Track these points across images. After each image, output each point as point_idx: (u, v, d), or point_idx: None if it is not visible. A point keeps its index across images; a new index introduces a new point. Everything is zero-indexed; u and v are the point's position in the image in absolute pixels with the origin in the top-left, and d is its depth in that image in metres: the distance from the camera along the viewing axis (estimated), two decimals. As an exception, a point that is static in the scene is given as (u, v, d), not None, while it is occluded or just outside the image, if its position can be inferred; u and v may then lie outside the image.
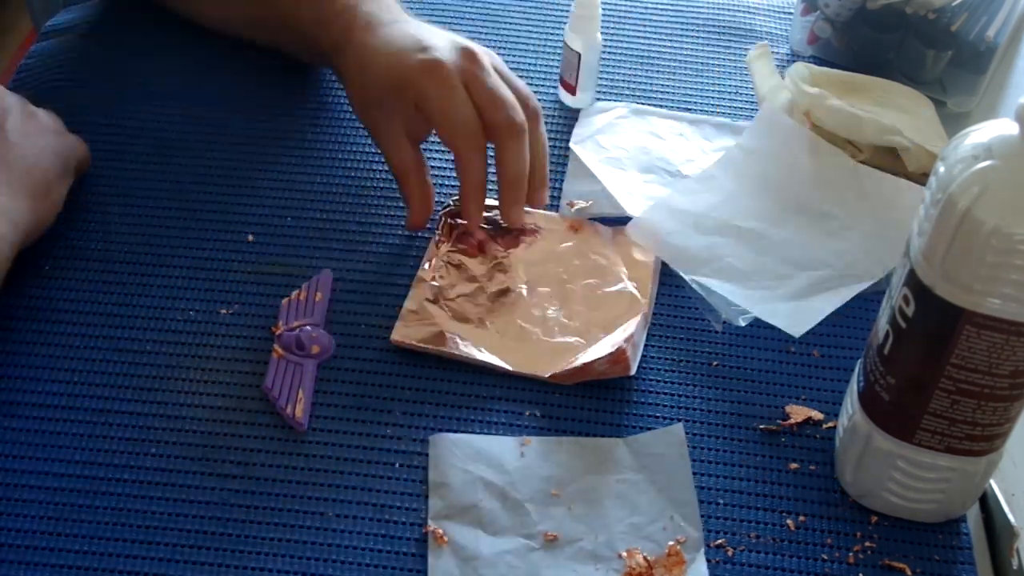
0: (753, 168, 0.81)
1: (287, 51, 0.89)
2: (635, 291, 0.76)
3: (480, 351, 0.72)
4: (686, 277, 0.76)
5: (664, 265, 0.78)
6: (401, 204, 0.81)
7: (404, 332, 0.73)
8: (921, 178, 0.80)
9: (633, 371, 0.71)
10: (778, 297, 0.74)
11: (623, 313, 0.74)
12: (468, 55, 0.74)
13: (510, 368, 0.72)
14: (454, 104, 0.73)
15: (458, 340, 0.73)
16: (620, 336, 0.72)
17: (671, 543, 0.64)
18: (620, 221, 0.80)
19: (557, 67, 0.92)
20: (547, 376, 0.71)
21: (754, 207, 0.79)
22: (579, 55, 0.86)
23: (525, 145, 0.75)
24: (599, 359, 0.71)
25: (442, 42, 0.75)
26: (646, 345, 0.74)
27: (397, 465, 0.68)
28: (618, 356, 0.70)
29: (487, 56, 0.76)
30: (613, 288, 0.76)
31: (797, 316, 0.73)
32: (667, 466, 0.68)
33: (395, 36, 0.77)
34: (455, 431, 0.69)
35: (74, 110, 0.87)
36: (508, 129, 0.74)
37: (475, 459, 0.67)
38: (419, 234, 0.80)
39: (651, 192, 0.82)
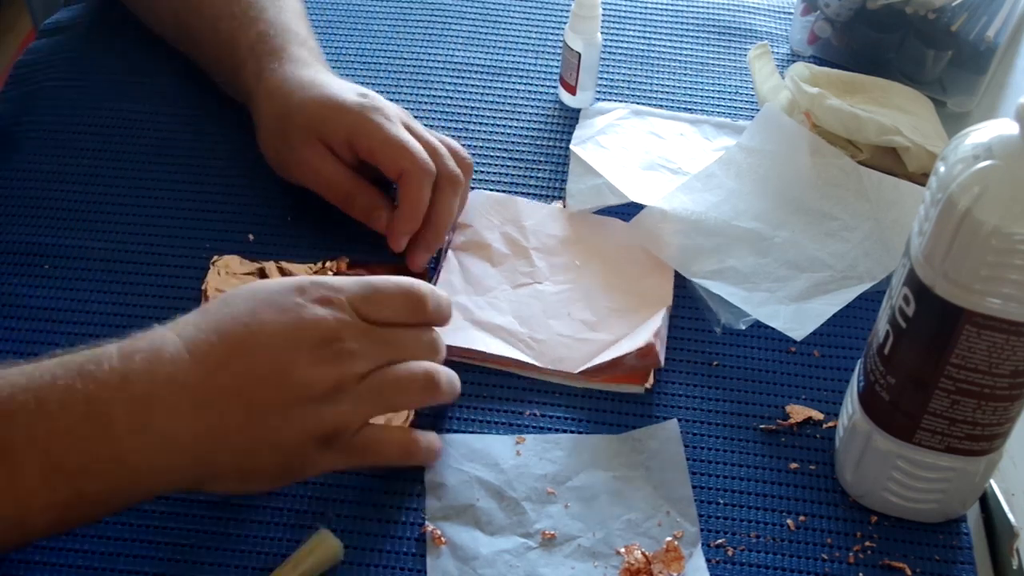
0: (753, 168, 0.81)
1: (209, 70, 0.87)
2: (657, 285, 0.76)
3: (507, 348, 0.72)
4: (687, 278, 0.76)
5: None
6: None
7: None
8: (921, 178, 0.80)
9: (662, 363, 0.71)
10: (778, 300, 0.74)
11: (647, 307, 0.74)
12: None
13: (538, 365, 0.72)
14: (403, 133, 0.75)
15: (485, 338, 0.73)
16: (649, 329, 0.72)
17: (668, 538, 0.64)
18: (625, 211, 0.80)
19: (557, 67, 0.92)
20: (576, 372, 0.71)
21: (754, 207, 0.79)
22: (579, 55, 0.86)
23: (457, 197, 0.77)
24: (629, 353, 0.70)
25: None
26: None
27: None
28: (647, 350, 0.70)
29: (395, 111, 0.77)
30: (635, 283, 0.76)
31: (798, 319, 0.73)
32: (662, 461, 0.68)
33: (319, 75, 0.78)
34: (453, 431, 0.69)
35: (72, 108, 0.87)
36: (447, 178, 0.76)
37: (470, 458, 0.67)
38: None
39: (653, 183, 0.82)
